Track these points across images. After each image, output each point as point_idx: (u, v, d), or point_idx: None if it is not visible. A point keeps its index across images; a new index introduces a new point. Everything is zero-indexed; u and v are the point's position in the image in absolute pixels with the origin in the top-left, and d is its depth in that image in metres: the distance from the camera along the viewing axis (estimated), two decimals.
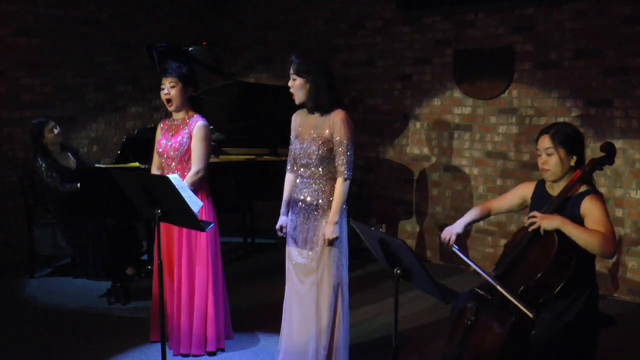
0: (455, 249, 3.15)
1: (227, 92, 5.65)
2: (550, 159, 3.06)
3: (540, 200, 3.15)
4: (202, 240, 3.99)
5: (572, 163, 3.06)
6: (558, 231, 2.95)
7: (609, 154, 3.11)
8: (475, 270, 3.02)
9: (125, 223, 5.41)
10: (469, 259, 3.07)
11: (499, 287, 2.91)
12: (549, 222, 2.94)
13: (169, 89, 3.95)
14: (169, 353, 4.06)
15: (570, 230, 2.91)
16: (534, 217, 2.99)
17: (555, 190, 3.12)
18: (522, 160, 5.64)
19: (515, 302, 2.84)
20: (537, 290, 2.92)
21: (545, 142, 3.07)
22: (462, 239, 5.99)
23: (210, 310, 4.03)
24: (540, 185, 3.24)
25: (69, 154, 5.69)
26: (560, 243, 2.91)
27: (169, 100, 3.97)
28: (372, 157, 6.68)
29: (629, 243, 5.11)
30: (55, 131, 5.55)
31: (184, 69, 3.99)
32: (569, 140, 3.05)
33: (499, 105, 5.76)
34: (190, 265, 4.00)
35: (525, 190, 3.31)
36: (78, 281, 5.60)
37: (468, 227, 3.38)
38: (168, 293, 4.05)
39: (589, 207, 2.97)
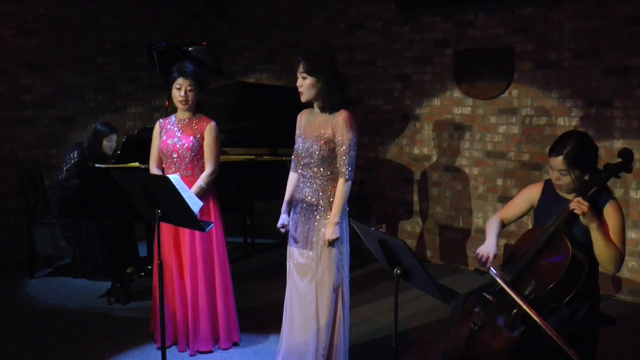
0: (493, 272, 2.94)
1: (227, 92, 5.65)
2: (563, 178, 2.99)
3: (552, 202, 3.09)
4: (219, 240, 4.08)
5: (586, 178, 3.00)
6: (571, 239, 2.90)
7: (626, 160, 3.00)
8: (515, 300, 2.84)
9: (125, 223, 5.41)
10: (507, 284, 2.88)
11: (533, 314, 2.76)
12: (589, 219, 2.84)
13: (187, 91, 3.98)
14: (177, 354, 4.08)
15: (600, 238, 2.86)
16: (582, 203, 2.85)
17: (568, 194, 3.06)
18: (522, 160, 5.63)
19: (543, 325, 2.73)
20: (548, 299, 2.87)
21: (558, 164, 2.97)
22: (462, 239, 6.05)
23: (232, 305, 4.17)
24: (549, 186, 3.15)
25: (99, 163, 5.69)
26: (574, 253, 2.85)
27: (185, 102, 4.00)
28: (372, 157, 6.68)
29: (630, 243, 5.11)
30: (111, 144, 5.59)
31: (201, 72, 4.05)
32: (582, 161, 2.97)
33: (499, 105, 5.76)
34: (207, 264, 4.05)
35: (532, 193, 3.24)
36: (78, 281, 5.60)
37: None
38: (178, 294, 4.07)
39: (611, 215, 2.94)
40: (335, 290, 3.56)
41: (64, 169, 5.41)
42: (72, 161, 5.40)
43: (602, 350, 3.24)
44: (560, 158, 2.96)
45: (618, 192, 5.12)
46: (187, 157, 3.99)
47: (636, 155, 5.01)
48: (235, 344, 4.21)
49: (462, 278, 5.72)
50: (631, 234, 5.10)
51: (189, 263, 4.03)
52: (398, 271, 2.68)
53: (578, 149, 2.97)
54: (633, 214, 5.09)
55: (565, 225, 2.96)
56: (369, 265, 5.98)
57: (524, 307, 2.79)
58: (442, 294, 2.62)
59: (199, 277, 4.03)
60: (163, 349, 3.49)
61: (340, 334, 3.61)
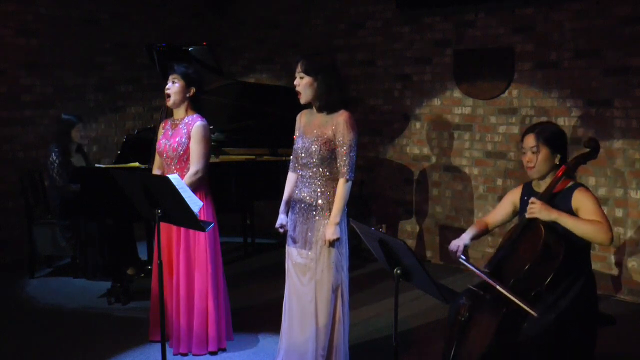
0: (462, 259, 3.21)
1: (227, 92, 5.65)
2: (535, 157, 3.14)
3: (529, 199, 3.18)
4: (201, 240, 4.00)
5: (557, 161, 3.15)
6: (545, 223, 3.03)
7: (593, 149, 3.19)
8: (480, 276, 3.04)
9: (125, 223, 5.41)
10: (476, 268, 3.08)
11: (506, 293, 2.89)
12: (546, 213, 3.02)
13: (171, 84, 3.99)
14: (169, 352, 4.06)
15: (567, 221, 3.00)
16: (533, 203, 3.06)
17: (542, 187, 3.20)
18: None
19: (520, 303, 2.84)
20: (527, 283, 2.96)
21: (530, 140, 3.16)
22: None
23: (211, 310, 4.04)
24: (527, 186, 3.33)
25: (82, 156, 5.72)
26: (547, 235, 2.98)
27: (168, 96, 4.00)
28: (372, 157, 6.68)
29: (629, 243, 5.11)
30: (81, 133, 5.68)
31: (190, 69, 4.03)
32: (553, 138, 3.15)
33: (499, 105, 5.76)
34: (188, 264, 4.00)
35: (513, 196, 3.40)
36: (78, 281, 5.60)
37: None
38: (168, 292, 4.06)
39: (581, 199, 3.06)
40: (334, 290, 3.55)
41: (55, 175, 5.39)
42: (55, 164, 5.39)
43: (602, 350, 3.24)
44: (533, 135, 3.16)
45: (618, 192, 5.13)
46: (175, 158, 3.98)
47: (636, 155, 5.04)
48: (212, 353, 4.06)
49: (462, 278, 5.72)
50: (631, 234, 5.10)
51: (175, 264, 4.02)
52: (398, 271, 2.68)
53: (549, 129, 3.19)
54: (633, 214, 5.09)
55: None
56: (369, 265, 5.98)
57: (488, 280, 2.97)
58: (442, 294, 2.63)
59: (180, 278, 4.00)
60: (163, 348, 3.48)
61: (340, 334, 3.60)
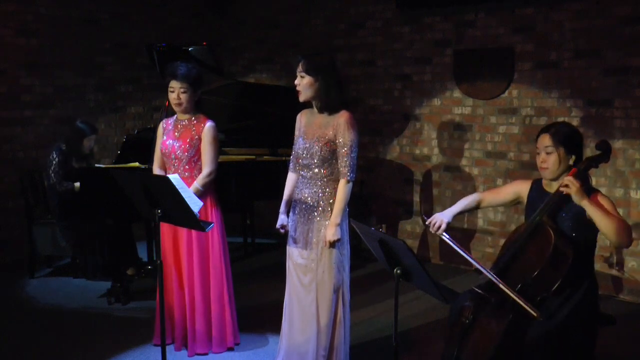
0: (445, 237, 3.14)
1: (227, 92, 5.65)
2: (549, 158, 3.09)
3: (539, 199, 3.17)
4: (215, 242, 4.03)
5: (571, 162, 3.10)
6: (554, 229, 2.99)
7: (605, 151, 3.14)
8: (475, 266, 3.05)
9: (125, 223, 5.41)
10: (461, 249, 3.07)
11: (495, 280, 2.92)
12: (579, 196, 2.91)
13: (181, 94, 3.95)
14: (175, 354, 4.07)
15: (596, 212, 2.90)
16: (573, 179, 2.94)
17: (553, 188, 3.14)
18: (522, 160, 5.64)
19: (515, 298, 2.85)
20: (535, 288, 2.94)
21: (546, 140, 3.10)
22: (462, 239, 6.04)
23: (227, 310, 4.10)
24: (537, 184, 3.26)
25: (86, 165, 5.70)
26: (556, 241, 2.94)
27: (179, 104, 3.98)
28: (372, 157, 6.68)
29: None
30: (90, 144, 5.59)
31: (193, 72, 3.99)
32: (568, 139, 3.09)
33: (499, 105, 5.76)
34: (202, 266, 4.02)
35: (520, 188, 3.33)
36: (78, 281, 5.60)
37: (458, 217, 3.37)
38: (176, 294, 4.06)
39: (600, 200, 3.00)
40: (336, 291, 3.55)
41: (51, 173, 5.37)
42: (54, 162, 5.37)
43: (602, 350, 3.24)
44: (548, 135, 3.10)
45: (618, 192, 5.13)
46: (185, 159, 3.98)
47: (636, 155, 5.04)
48: (230, 349, 4.15)
49: (462, 278, 5.72)
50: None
51: (186, 265, 4.03)
52: (398, 271, 2.68)
53: (564, 129, 3.13)
54: (633, 214, 5.09)
55: (549, 218, 3.06)
56: (369, 266, 5.98)
57: (480, 267, 2.97)
58: (442, 294, 2.63)
59: (195, 279, 4.02)
60: (163, 348, 3.48)
61: (341, 334, 3.60)
